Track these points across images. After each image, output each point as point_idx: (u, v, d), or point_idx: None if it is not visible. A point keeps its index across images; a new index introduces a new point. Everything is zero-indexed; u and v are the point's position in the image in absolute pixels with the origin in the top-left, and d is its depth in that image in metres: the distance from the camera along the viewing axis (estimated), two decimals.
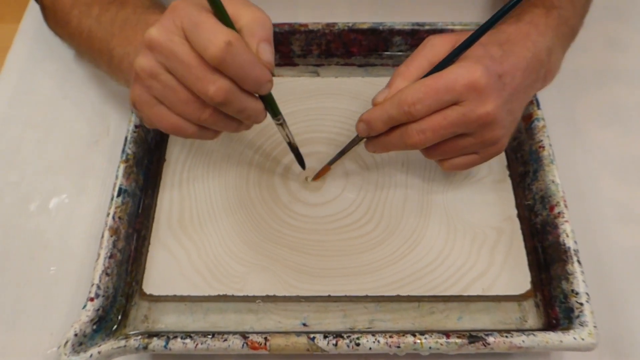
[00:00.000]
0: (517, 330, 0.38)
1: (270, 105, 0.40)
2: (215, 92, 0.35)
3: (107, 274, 0.41)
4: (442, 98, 0.38)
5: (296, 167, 0.48)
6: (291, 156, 0.47)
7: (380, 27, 0.53)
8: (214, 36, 0.33)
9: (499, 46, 0.40)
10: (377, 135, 0.41)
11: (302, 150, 0.46)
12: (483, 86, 0.37)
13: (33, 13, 0.62)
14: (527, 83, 0.41)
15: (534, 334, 0.37)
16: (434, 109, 0.38)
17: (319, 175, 0.48)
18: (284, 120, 0.42)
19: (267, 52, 0.36)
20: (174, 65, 0.35)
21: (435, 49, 0.40)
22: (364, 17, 0.55)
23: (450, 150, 0.41)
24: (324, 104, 0.53)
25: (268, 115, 0.40)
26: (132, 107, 0.40)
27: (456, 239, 0.45)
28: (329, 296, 0.42)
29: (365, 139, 0.43)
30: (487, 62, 0.38)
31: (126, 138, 0.46)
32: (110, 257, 0.41)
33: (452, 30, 0.53)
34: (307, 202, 0.47)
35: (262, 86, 0.37)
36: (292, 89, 0.53)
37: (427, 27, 0.53)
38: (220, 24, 0.34)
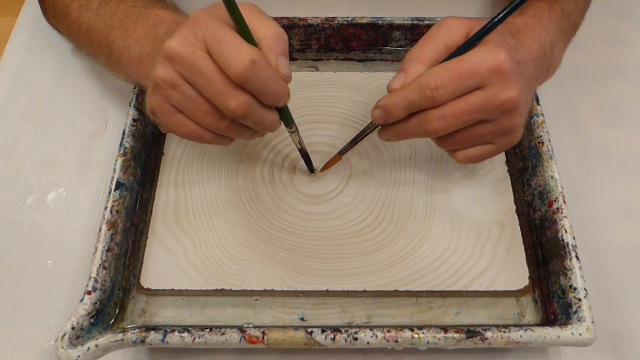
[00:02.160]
0: (515, 326, 0.38)
1: (284, 115, 0.40)
2: (236, 107, 0.36)
3: (104, 268, 0.40)
4: (466, 82, 0.36)
5: (299, 160, 0.48)
6: (294, 148, 0.47)
7: (380, 22, 0.53)
8: (238, 53, 0.34)
9: (512, 36, 0.40)
10: (393, 123, 0.40)
11: (304, 139, 0.46)
12: (507, 70, 0.36)
13: (31, 6, 0.62)
14: (535, 75, 0.41)
15: (531, 329, 0.37)
16: (457, 94, 0.37)
17: (329, 165, 0.47)
18: (296, 128, 0.42)
19: (285, 66, 0.37)
20: (195, 78, 0.36)
21: (451, 31, 0.39)
22: (364, 12, 0.54)
23: (466, 139, 0.40)
24: (325, 93, 0.53)
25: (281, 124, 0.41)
26: (150, 114, 0.40)
27: (455, 236, 0.45)
28: (327, 291, 0.42)
29: (379, 127, 0.42)
30: (507, 47, 0.37)
31: (124, 132, 0.46)
32: (108, 250, 0.41)
33: None
34: (310, 201, 0.47)
35: (281, 100, 0.38)
36: (291, 83, 0.53)
37: (426, 22, 0.53)
38: (242, 40, 0.35)
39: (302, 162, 0.47)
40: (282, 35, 0.37)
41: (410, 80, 0.38)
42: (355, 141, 0.44)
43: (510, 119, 0.39)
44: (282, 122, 0.41)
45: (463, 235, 0.45)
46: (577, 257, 0.40)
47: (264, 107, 0.38)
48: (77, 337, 0.37)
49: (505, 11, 0.37)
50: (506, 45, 0.38)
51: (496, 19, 0.37)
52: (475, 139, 0.40)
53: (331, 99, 0.53)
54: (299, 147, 0.45)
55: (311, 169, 0.47)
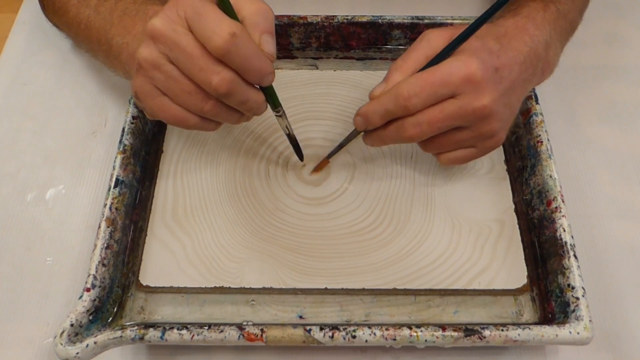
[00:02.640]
0: (513, 324, 0.38)
1: (270, 97, 0.40)
2: (218, 83, 0.35)
3: (103, 265, 0.40)
4: (438, 91, 0.38)
5: (295, 158, 0.48)
6: (291, 148, 0.47)
7: (380, 21, 0.53)
8: (218, 27, 0.34)
9: (496, 40, 0.40)
10: (375, 129, 0.42)
11: (299, 135, 0.46)
12: (479, 79, 0.37)
13: (30, 3, 0.62)
14: (525, 77, 0.41)
15: (529, 328, 0.37)
16: (431, 103, 0.38)
17: (318, 168, 0.48)
18: (284, 112, 0.42)
19: (270, 44, 0.36)
20: (177, 56, 0.35)
21: (431, 43, 0.40)
22: (363, 11, 0.54)
23: (447, 144, 0.41)
24: (323, 90, 0.53)
25: (268, 107, 0.41)
26: (134, 97, 0.40)
27: (455, 235, 0.45)
28: (326, 289, 0.42)
29: (363, 133, 0.43)
30: (483, 55, 0.38)
31: (124, 129, 0.46)
32: (107, 247, 0.41)
33: (451, 24, 0.53)
34: (311, 203, 0.46)
35: (265, 78, 0.37)
36: (291, 82, 0.53)
37: (426, 21, 0.53)
38: (224, 14, 0.34)
39: (306, 163, 0.48)
40: (267, 12, 0.37)
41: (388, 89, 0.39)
42: (341, 146, 0.46)
43: (487, 125, 0.39)
44: (268, 105, 0.40)
45: (463, 234, 0.45)
46: (575, 256, 0.40)
47: (248, 85, 0.37)
48: (76, 334, 0.37)
49: (478, 20, 0.38)
50: (484, 52, 0.38)
51: (469, 29, 0.38)
52: (456, 144, 0.41)
53: (329, 96, 0.53)
54: (287, 132, 0.44)
55: (300, 157, 0.47)
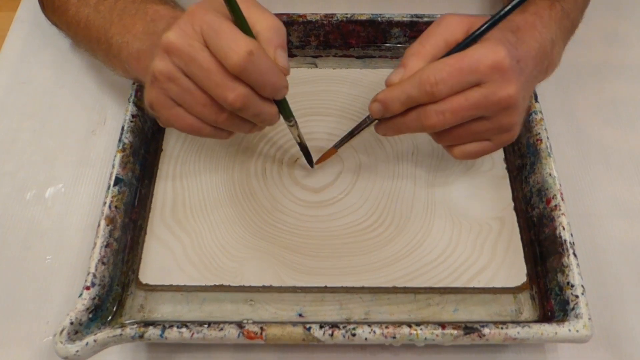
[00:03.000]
0: (513, 322, 0.38)
1: (283, 108, 0.40)
2: (234, 99, 0.36)
3: (103, 263, 0.40)
4: (466, 78, 0.37)
5: (302, 160, 0.48)
6: (294, 143, 0.47)
7: (379, 19, 0.53)
8: (236, 45, 0.34)
9: (512, 33, 0.40)
10: (391, 117, 0.40)
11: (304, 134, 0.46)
12: (507, 67, 0.36)
13: (29, 1, 0.61)
14: (535, 73, 0.41)
15: (529, 326, 0.37)
16: (456, 90, 0.37)
17: (324, 158, 0.47)
18: (295, 122, 0.42)
19: (284, 58, 0.37)
20: (193, 71, 0.36)
21: (451, 28, 0.39)
22: (363, 9, 0.54)
23: (464, 135, 0.40)
24: (323, 88, 0.53)
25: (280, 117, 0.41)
26: (148, 108, 0.40)
27: (456, 234, 0.45)
28: (325, 287, 0.42)
29: (376, 122, 0.42)
30: (507, 45, 0.37)
31: (123, 127, 0.46)
32: (107, 246, 0.41)
33: None
34: (313, 205, 0.46)
35: (279, 92, 0.38)
36: (290, 80, 0.53)
37: (425, 19, 0.53)
38: (239, 31, 0.35)
39: (302, 159, 0.47)
40: (280, 28, 0.37)
41: (409, 75, 0.38)
42: (351, 134, 0.44)
43: (508, 117, 0.39)
44: (281, 116, 0.40)
45: (463, 232, 0.45)
46: (574, 254, 0.41)
47: (263, 99, 0.38)
48: (76, 332, 0.37)
49: (506, 9, 0.37)
50: (507, 43, 0.38)
51: (497, 16, 0.37)
52: (473, 136, 0.40)
53: (330, 93, 0.53)
54: (299, 141, 0.45)
55: (311, 164, 0.47)
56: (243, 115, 0.38)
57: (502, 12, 0.37)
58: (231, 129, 0.40)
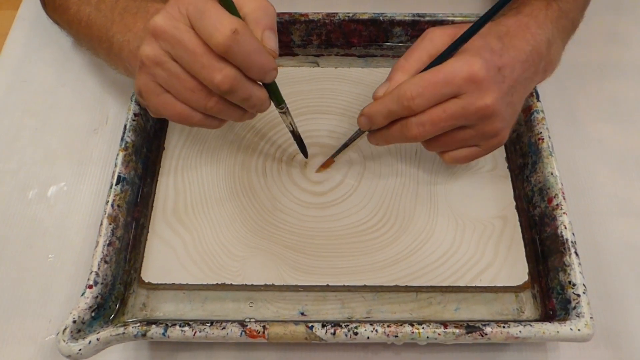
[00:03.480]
0: (514, 321, 0.38)
1: (274, 93, 0.40)
2: (221, 80, 0.35)
3: (105, 262, 0.40)
4: (442, 91, 0.38)
5: (300, 156, 0.48)
6: (295, 145, 0.47)
7: (381, 18, 0.53)
8: (220, 24, 0.34)
9: (498, 39, 0.40)
10: (378, 129, 0.42)
11: (301, 128, 0.46)
12: (482, 78, 0.37)
13: (31, 0, 0.61)
14: (527, 76, 0.41)
15: (530, 325, 0.38)
16: (434, 103, 0.38)
17: (323, 167, 0.48)
18: (287, 108, 0.42)
19: (272, 40, 0.36)
20: (179, 53, 0.35)
21: (434, 41, 0.40)
22: (365, 8, 0.54)
23: (450, 143, 0.42)
24: (325, 86, 0.53)
25: (271, 104, 0.41)
26: (137, 95, 0.40)
27: (459, 233, 0.45)
28: (327, 286, 0.42)
29: (367, 132, 0.43)
30: (486, 54, 0.38)
31: (125, 126, 0.46)
32: (109, 245, 0.41)
33: (452, 22, 0.53)
34: (314, 201, 0.46)
35: (267, 74, 0.37)
36: (292, 79, 0.53)
37: (427, 18, 0.53)
38: (225, 11, 0.34)
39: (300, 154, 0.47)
40: (269, 8, 0.37)
41: (392, 90, 0.39)
42: (345, 145, 0.46)
43: (491, 124, 0.40)
44: (272, 102, 0.40)
45: (466, 232, 0.45)
46: (576, 253, 0.41)
47: (251, 82, 0.37)
48: (79, 331, 0.37)
49: (481, 20, 0.38)
50: (486, 52, 0.38)
51: (473, 27, 0.38)
52: (459, 143, 0.42)
53: (332, 91, 0.53)
54: (291, 129, 0.44)
55: (305, 154, 0.47)
56: (232, 99, 0.37)
57: (477, 23, 0.38)
58: (221, 115, 0.39)
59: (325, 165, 0.48)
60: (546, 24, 0.43)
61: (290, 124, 0.44)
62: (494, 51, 0.39)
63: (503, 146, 0.49)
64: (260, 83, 0.38)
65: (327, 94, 0.52)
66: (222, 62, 0.35)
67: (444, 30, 0.40)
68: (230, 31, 0.33)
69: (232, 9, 0.35)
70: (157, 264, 0.43)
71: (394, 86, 0.39)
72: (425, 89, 0.38)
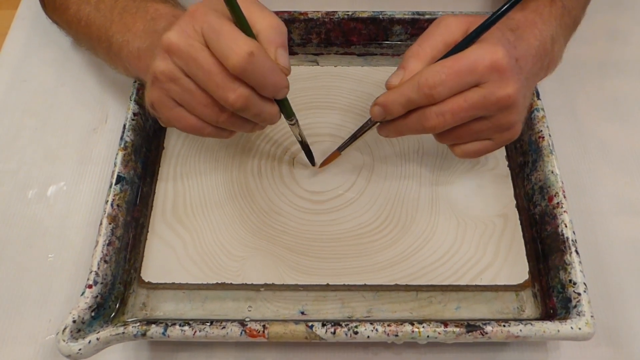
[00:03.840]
0: (515, 320, 0.38)
1: (284, 107, 0.40)
2: (235, 100, 0.36)
3: (105, 262, 0.40)
4: (464, 80, 0.37)
5: (302, 157, 0.48)
6: (297, 144, 0.47)
7: (380, 16, 0.53)
8: (236, 46, 0.34)
9: (511, 31, 0.40)
10: (392, 119, 0.40)
11: (301, 124, 0.45)
12: (505, 67, 0.36)
13: (30, 0, 0.61)
14: (535, 70, 0.41)
15: (531, 324, 0.37)
16: (455, 92, 0.37)
17: (328, 161, 0.47)
18: (297, 120, 0.42)
19: (285, 58, 0.37)
20: (193, 71, 0.36)
21: (449, 29, 0.39)
22: (364, 6, 0.54)
23: (465, 135, 0.40)
24: (325, 83, 0.53)
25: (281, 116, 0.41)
26: (149, 107, 0.40)
27: (461, 232, 0.45)
28: (327, 285, 0.42)
29: (378, 124, 0.42)
30: (506, 44, 0.38)
31: (125, 126, 0.46)
32: (109, 244, 0.41)
33: None
34: (315, 198, 0.46)
35: (280, 91, 0.38)
36: (291, 78, 0.53)
37: (427, 17, 0.53)
38: (240, 32, 0.35)
39: (301, 154, 0.47)
40: (281, 27, 0.37)
41: (409, 78, 0.38)
42: (354, 137, 0.44)
43: (508, 116, 0.39)
44: (282, 115, 0.40)
45: (467, 232, 0.45)
46: (576, 251, 0.40)
47: (263, 99, 0.37)
48: (79, 331, 0.37)
49: (503, 8, 0.37)
50: (505, 42, 0.38)
51: (494, 16, 0.37)
52: (474, 135, 0.41)
53: (332, 89, 0.53)
54: (300, 139, 0.45)
55: (312, 162, 0.47)
56: (244, 115, 0.38)
57: (499, 12, 0.37)
58: (232, 128, 0.40)
59: (330, 159, 0.47)
60: (550, 20, 0.43)
61: (299, 134, 0.44)
62: (510, 42, 0.38)
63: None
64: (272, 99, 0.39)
65: (326, 91, 0.52)
66: (236, 82, 0.35)
67: (460, 18, 0.39)
68: (246, 54, 0.34)
69: (247, 29, 0.35)
70: (157, 264, 0.43)
71: (409, 74, 0.38)
72: (448, 76, 0.36)
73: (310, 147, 0.46)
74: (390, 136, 0.42)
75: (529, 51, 0.40)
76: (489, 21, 0.37)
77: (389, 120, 0.40)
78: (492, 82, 0.37)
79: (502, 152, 0.49)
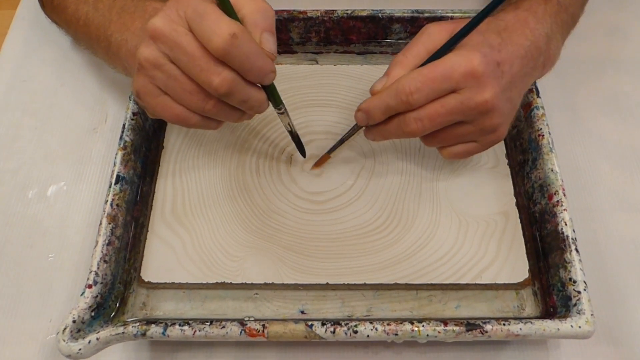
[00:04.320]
0: (515, 318, 0.38)
1: (272, 94, 0.40)
2: (219, 84, 0.35)
3: (105, 261, 0.40)
4: (440, 86, 0.37)
5: (298, 155, 0.48)
6: (293, 145, 0.47)
7: (380, 15, 0.53)
8: (218, 28, 0.34)
9: (497, 34, 0.40)
10: (376, 124, 0.41)
11: (300, 122, 0.45)
12: (481, 73, 0.37)
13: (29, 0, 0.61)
14: (526, 71, 0.41)
15: (531, 322, 0.37)
16: (432, 98, 0.38)
17: (319, 163, 0.48)
18: (285, 109, 0.42)
19: (270, 42, 0.36)
20: (177, 56, 0.35)
21: (432, 37, 0.40)
22: (363, 5, 0.54)
23: (449, 138, 0.41)
24: (324, 81, 0.53)
25: (270, 105, 0.41)
26: (135, 96, 0.40)
27: (462, 232, 0.45)
28: (327, 284, 0.42)
29: (364, 128, 0.43)
30: (485, 49, 0.38)
31: (124, 125, 0.46)
32: (109, 244, 0.41)
33: (451, 18, 0.52)
34: (314, 199, 0.46)
35: (266, 76, 0.37)
36: (290, 76, 0.53)
37: (426, 15, 0.53)
38: (224, 14, 0.34)
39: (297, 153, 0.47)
40: (267, 10, 0.37)
41: (389, 85, 0.39)
42: (342, 141, 0.46)
43: (489, 120, 0.39)
44: (270, 103, 0.40)
45: (469, 230, 0.45)
46: (577, 250, 0.40)
47: (249, 84, 0.37)
48: (79, 330, 0.37)
49: (480, 14, 0.37)
50: (485, 47, 0.38)
51: (473, 21, 0.38)
52: (457, 138, 0.41)
53: (331, 86, 0.53)
54: (289, 129, 0.44)
55: (303, 154, 0.47)
56: (230, 101, 0.37)
57: (477, 17, 0.37)
58: (219, 117, 0.39)
59: (321, 161, 0.47)
60: (545, 18, 0.43)
61: (289, 124, 0.44)
62: (492, 46, 0.39)
63: (503, 143, 0.49)
64: (259, 85, 0.38)
65: (326, 89, 0.52)
66: (220, 66, 0.35)
67: (442, 25, 0.40)
68: (228, 35, 0.33)
69: (231, 12, 0.35)
70: (157, 263, 0.43)
71: (391, 81, 0.39)
72: (424, 83, 0.37)
73: (308, 145, 0.46)
74: (376, 140, 0.43)
75: (516, 52, 0.40)
76: (467, 27, 0.38)
77: (373, 124, 0.41)
78: (469, 88, 0.37)
79: (502, 150, 0.49)
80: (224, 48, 0.34)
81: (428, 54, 0.39)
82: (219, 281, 0.42)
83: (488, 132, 0.40)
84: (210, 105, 0.37)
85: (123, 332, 0.37)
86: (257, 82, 0.37)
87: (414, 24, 0.53)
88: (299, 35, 0.55)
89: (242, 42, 0.34)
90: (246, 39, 0.34)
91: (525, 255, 0.44)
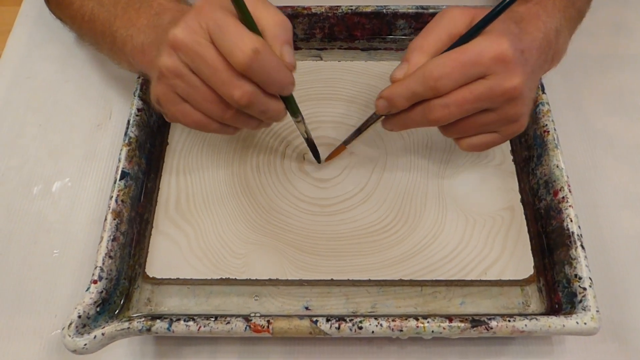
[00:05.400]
0: (520, 315, 0.38)
1: (290, 104, 0.40)
2: (240, 97, 0.36)
3: (110, 257, 0.41)
4: (469, 72, 0.36)
5: (307, 151, 0.48)
6: (301, 139, 0.46)
7: (384, 11, 0.53)
8: (242, 42, 0.34)
9: (515, 24, 0.39)
10: (396, 113, 0.40)
11: (305, 114, 0.45)
12: (510, 59, 0.36)
13: None
14: (540, 63, 0.40)
15: (536, 319, 0.37)
16: (460, 84, 0.37)
17: (333, 155, 0.47)
18: (302, 118, 0.42)
19: (290, 55, 0.37)
20: (199, 67, 0.36)
21: (453, 20, 0.38)
22: (368, 1, 0.54)
23: (471, 127, 0.40)
24: (329, 76, 0.53)
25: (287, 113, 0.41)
26: (155, 103, 0.40)
27: (469, 229, 0.45)
28: (332, 280, 0.42)
29: (383, 117, 0.42)
30: (510, 36, 0.37)
31: (129, 121, 0.46)
32: (114, 240, 0.41)
33: None
34: (319, 203, 0.46)
35: (286, 89, 0.38)
36: (295, 72, 0.53)
37: (431, 11, 0.53)
38: (245, 28, 0.35)
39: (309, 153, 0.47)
40: (286, 24, 0.37)
41: (413, 70, 0.38)
42: (359, 131, 0.44)
43: (514, 108, 0.38)
44: (287, 112, 0.40)
45: (476, 227, 0.45)
46: (582, 246, 0.40)
47: (269, 96, 0.37)
48: (84, 326, 0.37)
49: (504, 2, 0.36)
50: (510, 34, 0.38)
51: (499, 8, 0.37)
52: (479, 128, 0.40)
53: (336, 81, 0.52)
54: (306, 136, 0.44)
55: (318, 160, 0.47)
56: (249, 112, 0.38)
57: (504, 3, 0.37)
58: (237, 125, 0.40)
59: (336, 152, 0.47)
60: (554, 12, 0.42)
61: (305, 132, 0.44)
62: (515, 34, 0.38)
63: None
64: (278, 95, 0.38)
65: (329, 83, 0.52)
66: (242, 79, 0.35)
67: (464, 10, 0.39)
68: (251, 51, 0.34)
69: (252, 26, 0.35)
70: (162, 259, 0.43)
71: (413, 67, 0.38)
72: (453, 68, 0.36)
73: (313, 136, 0.46)
74: (395, 130, 0.42)
75: (533, 43, 0.39)
76: (493, 13, 0.37)
77: (393, 113, 0.40)
78: (497, 73, 0.37)
79: (507, 146, 0.49)
80: (247, 63, 0.34)
81: (449, 39, 0.38)
82: (224, 277, 0.42)
83: (511, 121, 0.39)
84: (230, 114, 0.38)
85: (128, 328, 0.37)
86: (277, 94, 0.38)
87: (418, 20, 0.53)
88: (303, 32, 0.54)
89: (264, 57, 0.34)
90: (268, 53, 0.35)
91: (530, 252, 0.44)
